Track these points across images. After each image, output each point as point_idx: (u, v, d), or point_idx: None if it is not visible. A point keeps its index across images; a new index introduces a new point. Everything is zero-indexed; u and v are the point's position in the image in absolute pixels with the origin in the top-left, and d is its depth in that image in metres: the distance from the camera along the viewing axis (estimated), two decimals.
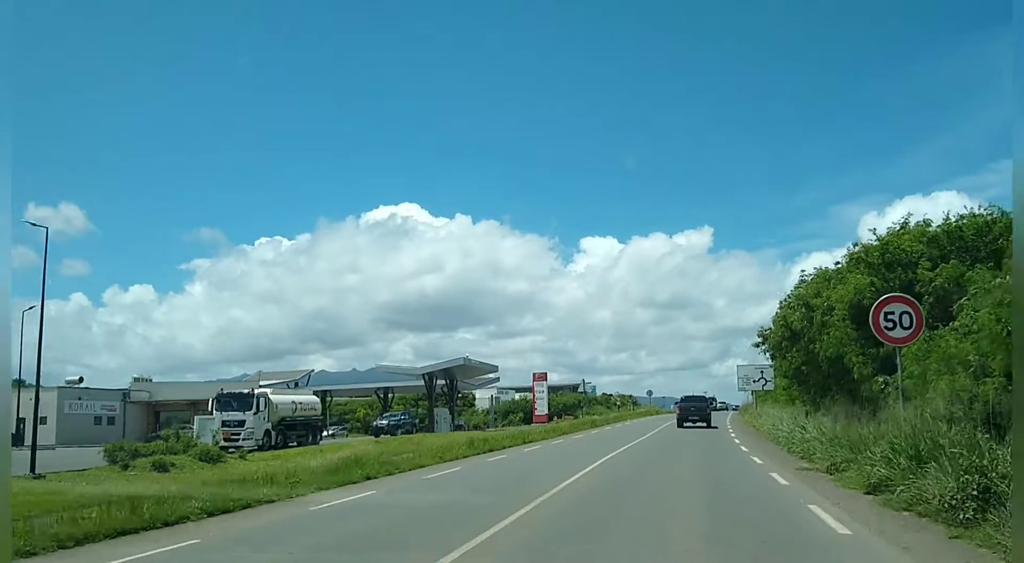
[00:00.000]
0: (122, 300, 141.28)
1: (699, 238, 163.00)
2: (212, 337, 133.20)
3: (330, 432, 68.06)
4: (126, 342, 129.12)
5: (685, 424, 42.19)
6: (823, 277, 22.13)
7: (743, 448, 24.14)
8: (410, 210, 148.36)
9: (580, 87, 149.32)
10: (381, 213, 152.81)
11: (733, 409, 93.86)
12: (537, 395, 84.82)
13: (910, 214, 20.22)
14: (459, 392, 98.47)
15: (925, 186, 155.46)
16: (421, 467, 20.19)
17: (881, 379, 17.82)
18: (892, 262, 18.79)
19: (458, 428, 72.13)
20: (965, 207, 25.74)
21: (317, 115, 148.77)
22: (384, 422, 55.72)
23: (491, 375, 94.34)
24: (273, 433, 38.57)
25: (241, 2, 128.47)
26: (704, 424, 41.81)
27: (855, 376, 18.70)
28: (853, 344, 18.92)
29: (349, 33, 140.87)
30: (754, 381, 50.46)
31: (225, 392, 38.99)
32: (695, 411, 43.02)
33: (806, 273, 24.16)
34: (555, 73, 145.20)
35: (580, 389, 65.41)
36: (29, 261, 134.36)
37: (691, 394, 48.64)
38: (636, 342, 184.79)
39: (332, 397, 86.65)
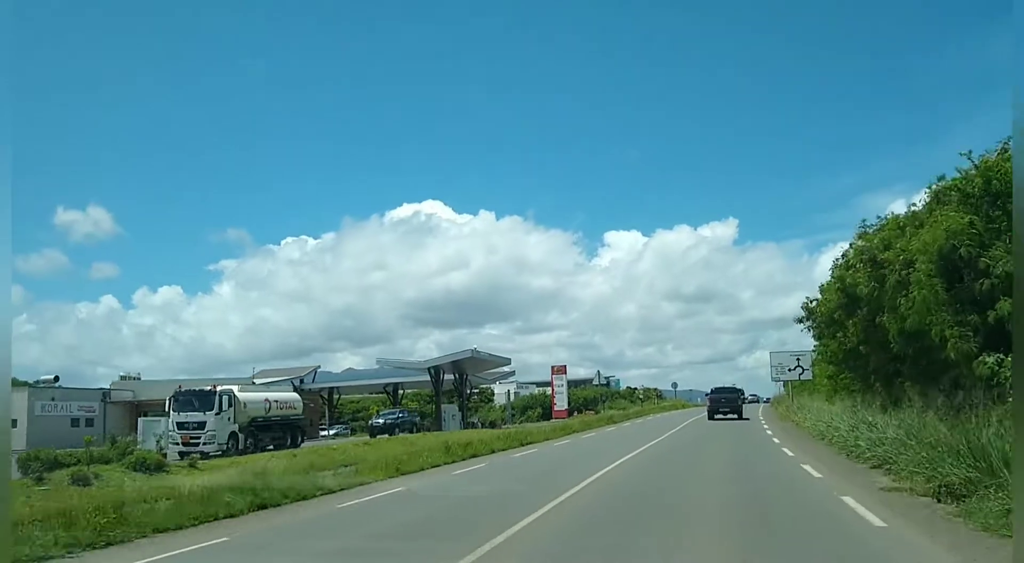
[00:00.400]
0: (151, 301, 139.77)
1: (724, 230, 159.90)
2: (241, 336, 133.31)
3: (332, 431, 63.54)
4: (156, 343, 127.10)
5: (716, 416, 41.67)
6: (894, 224, 16.65)
7: (786, 451, 18.87)
8: (434, 207, 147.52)
9: (602, 80, 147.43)
10: (405, 211, 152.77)
11: (764, 402, 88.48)
12: (556, 389, 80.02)
13: (1010, 137, 14.68)
14: (473, 387, 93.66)
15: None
16: (361, 485, 15.18)
17: (992, 358, 12.50)
18: (998, 194, 13.38)
19: (470, 426, 67.55)
20: None
21: (339, 114, 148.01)
22: (380, 421, 50.84)
23: (505, 368, 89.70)
24: (241, 436, 33.76)
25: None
26: (735, 416, 41.17)
27: (950, 355, 13.33)
28: (943, 310, 13.55)
29: (372, 31, 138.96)
30: (789, 370, 44.85)
31: (183, 390, 34.24)
32: (726, 403, 42.92)
33: (868, 222, 18.51)
34: (577, 67, 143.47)
35: (595, 382, 60.26)
36: (58, 263, 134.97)
37: (721, 386, 47.95)
38: (662, 336, 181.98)
39: (340, 394, 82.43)
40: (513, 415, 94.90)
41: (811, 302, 23.01)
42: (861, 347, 19.22)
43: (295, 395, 39.82)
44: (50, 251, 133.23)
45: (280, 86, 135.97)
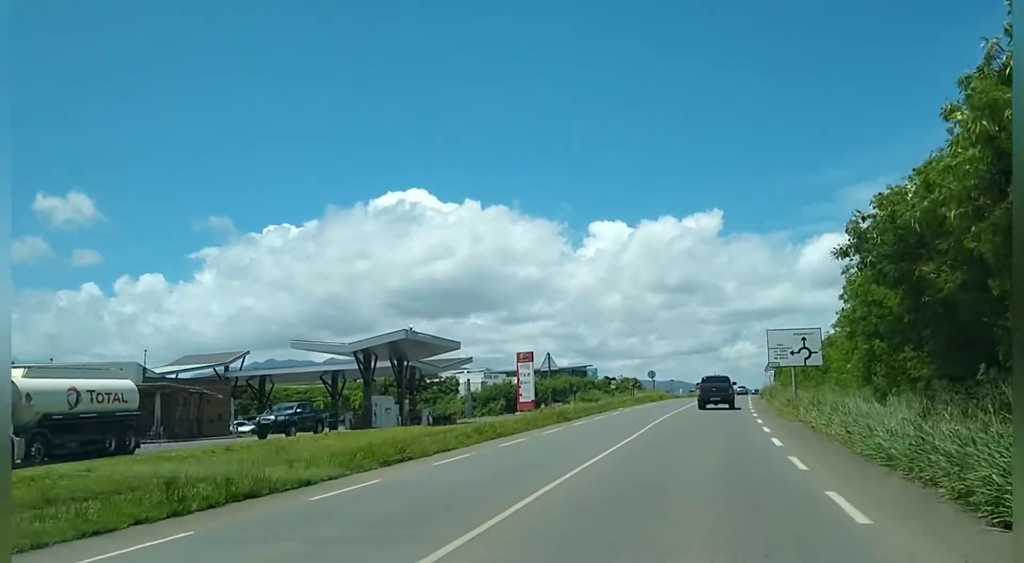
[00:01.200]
0: (133, 289, 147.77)
1: (709, 221, 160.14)
2: (223, 325, 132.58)
3: (248, 427, 53.11)
4: (137, 331, 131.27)
5: (707, 406, 40.21)
6: None
7: (843, 506, 8.79)
8: (418, 196, 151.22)
9: (591, 73, 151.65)
10: (389, 199, 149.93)
11: (753, 393, 79.72)
12: (522, 379, 70.61)
13: None
14: (433, 377, 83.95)
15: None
16: None
17: None
18: None
19: (415, 421, 57.74)
20: None
21: (323, 102, 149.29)
22: (272, 418, 40.31)
23: (460, 354, 79.82)
24: (19, 439, 23.24)
25: None
26: (727, 405, 39.70)
27: None
28: None
29: (361, 23, 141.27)
30: (792, 352, 34.97)
31: None
32: (717, 392, 41.47)
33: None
34: (562, 56, 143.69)
35: (546, 366, 50.66)
36: (39, 251, 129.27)
37: (712, 375, 46.19)
38: (646, 326, 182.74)
39: (274, 383, 72.38)
40: (475, 407, 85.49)
41: (861, 220, 12.93)
42: (990, 284, 9.14)
43: (126, 383, 29.28)
44: (30, 238, 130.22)
45: (265, 76, 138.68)
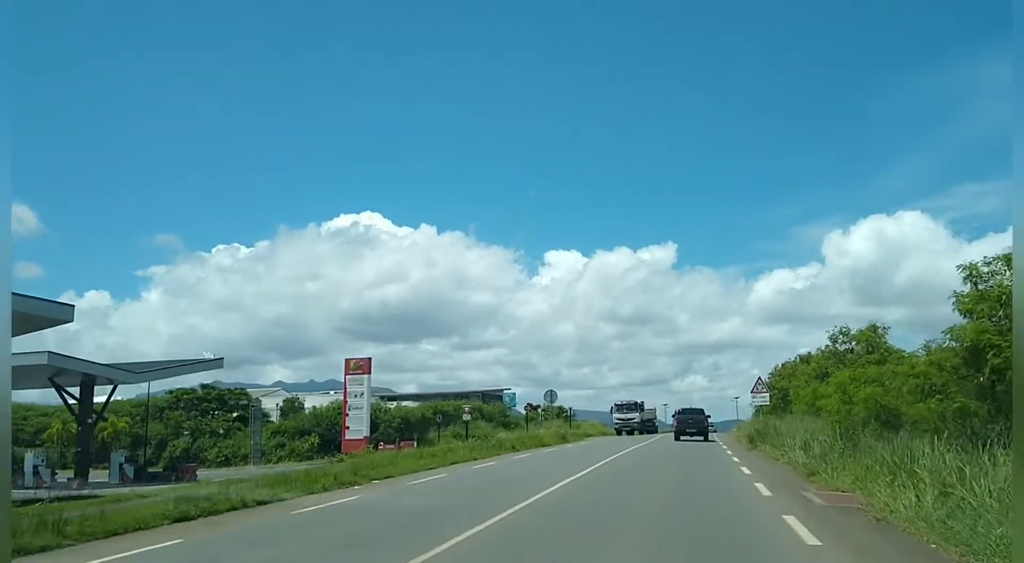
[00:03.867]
0: (77, 306, 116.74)
1: (663, 254, 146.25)
2: (168, 344, 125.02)
3: None
4: (81, 349, 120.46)
5: (682, 437, 40.54)
6: None
7: None
8: (372, 219, 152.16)
9: (549, 102, 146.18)
10: (343, 221, 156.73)
11: (729, 429, 48.23)
12: (351, 404, 38.56)
13: None
14: (256, 400, 50.79)
15: (889, 206, 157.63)
16: None
17: None
18: None
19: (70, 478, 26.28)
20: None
21: (278, 122, 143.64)
22: None
23: (206, 354, 48.71)
24: None
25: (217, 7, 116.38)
26: (701, 438, 40.38)
27: None
28: None
29: (313, 41, 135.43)
30: None
31: None
32: (692, 424, 42.02)
33: None
34: (522, 86, 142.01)
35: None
36: None
37: (688, 407, 46.40)
38: (598, 356, 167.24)
39: None
40: (282, 445, 52.55)
41: None
42: None
43: None
44: None
45: (218, 93, 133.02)
